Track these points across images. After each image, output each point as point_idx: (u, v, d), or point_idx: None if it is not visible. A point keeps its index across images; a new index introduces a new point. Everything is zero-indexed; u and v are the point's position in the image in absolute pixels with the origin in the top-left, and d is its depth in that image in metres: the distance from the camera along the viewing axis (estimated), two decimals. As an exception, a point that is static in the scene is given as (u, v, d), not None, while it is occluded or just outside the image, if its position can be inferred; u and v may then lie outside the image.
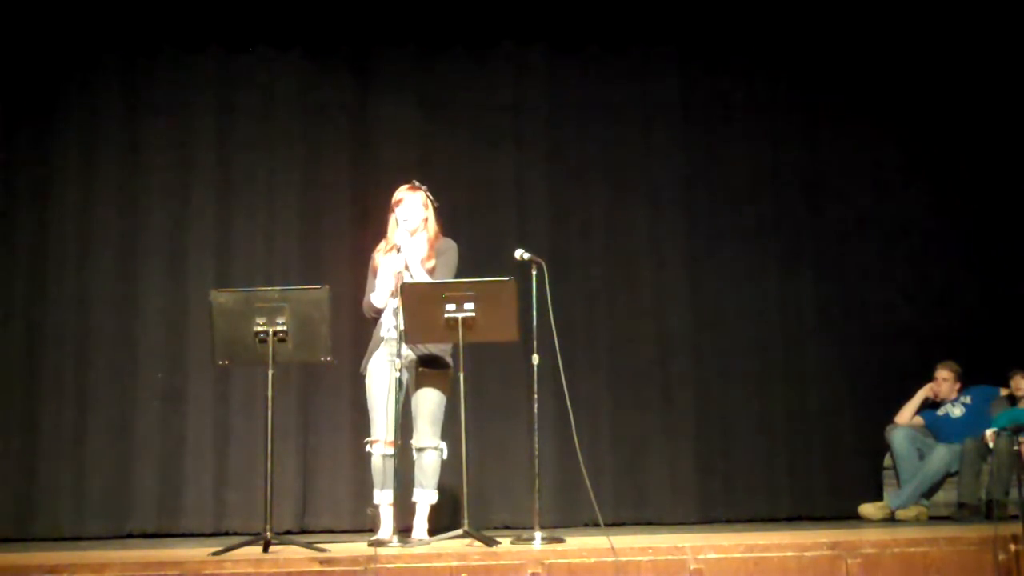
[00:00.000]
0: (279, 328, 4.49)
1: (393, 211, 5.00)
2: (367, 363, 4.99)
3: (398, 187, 5.05)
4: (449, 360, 4.95)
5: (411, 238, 4.95)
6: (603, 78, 7.16)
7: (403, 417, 4.79)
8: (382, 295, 4.93)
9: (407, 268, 4.84)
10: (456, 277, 4.94)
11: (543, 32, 7.12)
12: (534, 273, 4.62)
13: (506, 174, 7.04)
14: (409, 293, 4.61)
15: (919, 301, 7.19)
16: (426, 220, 5.01)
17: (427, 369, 4.92)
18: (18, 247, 6.64)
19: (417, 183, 5.05)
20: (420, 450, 4.87)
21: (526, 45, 7.12)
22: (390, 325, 4.91)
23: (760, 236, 7.18)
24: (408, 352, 4.82)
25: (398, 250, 4.85)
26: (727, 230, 7.15)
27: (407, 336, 4.62)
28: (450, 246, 5.03)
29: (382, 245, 5.07)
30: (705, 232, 7.14)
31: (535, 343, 4.59)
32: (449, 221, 6.76)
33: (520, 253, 4.68)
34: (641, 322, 7.02)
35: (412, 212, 4.97)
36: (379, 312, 4.97)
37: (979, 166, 7.33)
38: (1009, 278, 7.19)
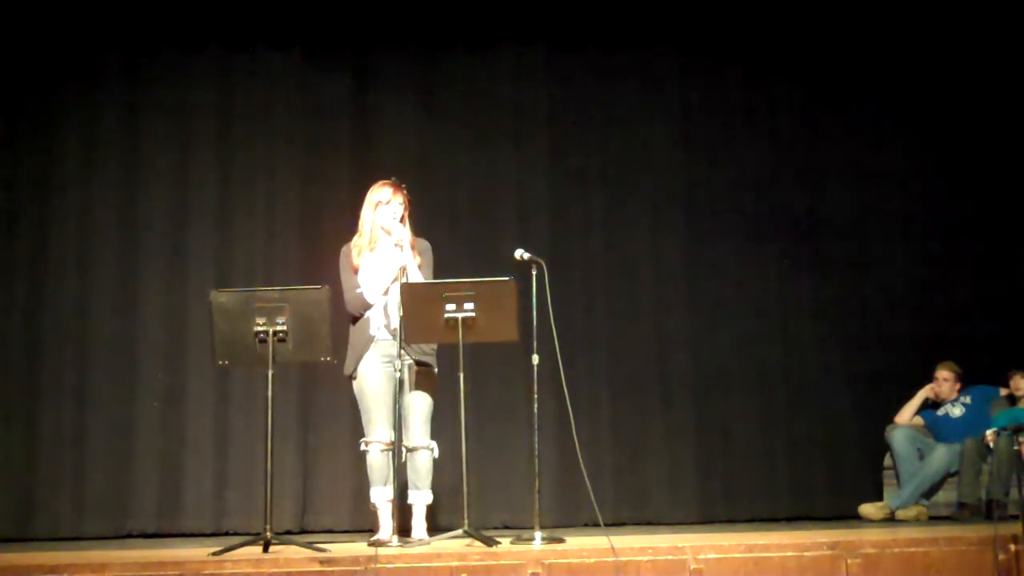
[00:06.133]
0: (279, 328, 4.49)
1: (375, 207, 4.95)
2: (357, 364, 4.91)
3: (379, 183, 5.00)
4: (434, 361, 4.94)
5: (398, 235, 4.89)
6: (603, 78, 7.17)
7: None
8: (375, 291, 4.90)
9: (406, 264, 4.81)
10: (436, 278, 4.92)
11: (543, 32, 7.12)
12: (534, 273, 4.62)
13: (506, 174, 7.04)
14: (409, 293, 4.60)
15: (919, 301, 7.19)
16: (404, 219, 4.98)
17: (419, 369, 4.90)
18: (18, 247, 6.64)
19: (397, 180, 5.01)
20: (412, 450, 4.83)
21: (526, 45, 7.13)
22: (380, 324, 4.89)
23: (760, 236, 7.18)
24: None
25: (401, 247, 4.82)
26: (727, 230, 7.15)
27: (407, 336, 4.61)
28: (427, 246, 5.01)
29: (356, 241, 5.00)
30: (705, 232, 7.14)
31: (535, 343, 4.59)
32: (449, 221, 6.81)
33: (520, 253, 4.68)
34: (641, 322, 7.02)
35: (398, 212, 4.93)
36: (368, 308, 4.92)
37: (979, 166, 7.33)
38: (1009, 278, 7.20)
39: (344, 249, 5.01)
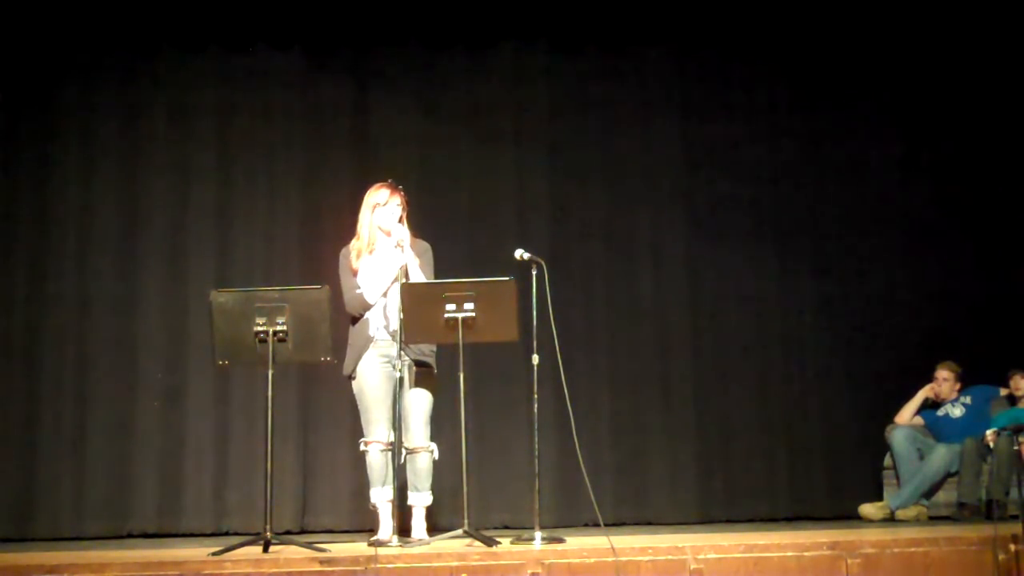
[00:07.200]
0: (279, 328, 4.49)
1: (372, 209, 4.94)
2: (356, 364, 4.91)
3: (376, 186, 4.99)
4: (433, 362, 4.94)
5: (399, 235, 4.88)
6: (603, 78, 7.17)
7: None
8: (375, 292, 4.90)
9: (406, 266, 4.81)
10: (436, 278, 4.91)
11: (543, 32, 7.12)
12: (534, 273, 4.62)
13: (506, 174, 7.04)
14: (409, 293, 4.60)
15: (919, 301, 7.19)
16: (402, 220, 4.96)
17: (418, 369, 4.90)
18: (18, 247, 6.64)
19: (394, 182, 5.00)
20: (412, 452, 4.83)
21: (526, 45, 7.13)
22: (379, 324, 4.89)
23: (760, 236, 7.18)
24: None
25: (402, 247, 4.81)
26: (727, 230, 7.15)
27: (407, 336, 4.61)
28: (427, 247, 4.99)
29: (354, 243, 5.00)
30: (705, 232, 7.14)
31: (535, 343, 4.59)
32: (449, 221, 6.80)
33: (520, 253, 4.67)
34: (641, 322, 7.02)
35: (396, 213, 4.92)
36: (368, 309, 4.91)
37: (979, 165, 7.33)
38: (1009, 278, 7.20)
39: (343, 251, 5.01)
